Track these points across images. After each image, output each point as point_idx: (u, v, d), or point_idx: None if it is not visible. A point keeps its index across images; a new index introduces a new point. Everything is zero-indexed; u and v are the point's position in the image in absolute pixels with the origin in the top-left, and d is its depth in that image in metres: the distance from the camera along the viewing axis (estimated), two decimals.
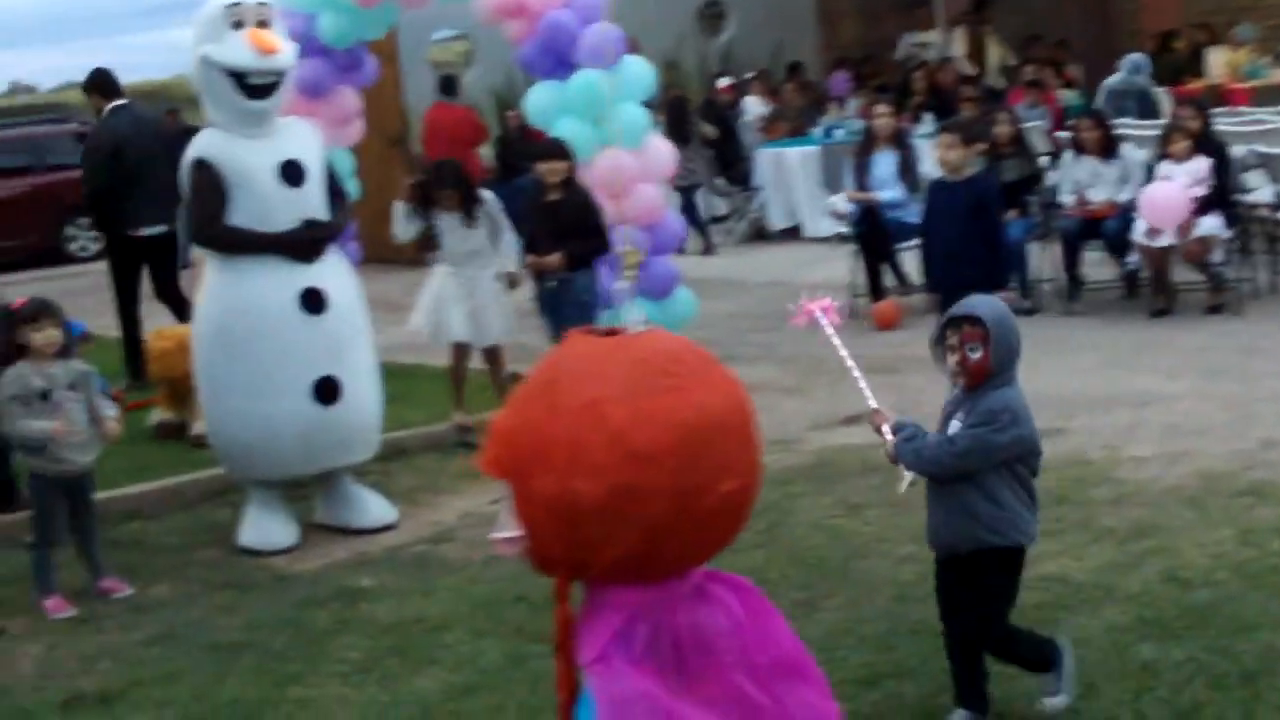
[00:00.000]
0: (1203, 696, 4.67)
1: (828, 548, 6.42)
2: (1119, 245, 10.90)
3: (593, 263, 8.71)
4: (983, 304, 4.50)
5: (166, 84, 39.63)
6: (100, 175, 10.68)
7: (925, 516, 4.63)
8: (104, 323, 10.74)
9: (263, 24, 7.04)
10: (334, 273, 7.20)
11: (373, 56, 10.75)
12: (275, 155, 7.03)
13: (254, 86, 7.00)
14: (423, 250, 9.05)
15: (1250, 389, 8.38)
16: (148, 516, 7.71)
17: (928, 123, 15.10)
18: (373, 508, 7.44)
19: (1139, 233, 10.43)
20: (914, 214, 10.75)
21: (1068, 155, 11.35)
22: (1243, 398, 8.22)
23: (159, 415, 9.23)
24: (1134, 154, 11.10)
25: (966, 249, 7.75)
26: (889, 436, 4.54)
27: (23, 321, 6.43)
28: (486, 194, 8.96)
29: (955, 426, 4.47)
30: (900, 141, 11.83)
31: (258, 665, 5.71)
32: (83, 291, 11.35)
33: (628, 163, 9.41)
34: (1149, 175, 10.72)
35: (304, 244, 7.04)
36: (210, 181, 7.00)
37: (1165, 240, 10.30)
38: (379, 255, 12.81)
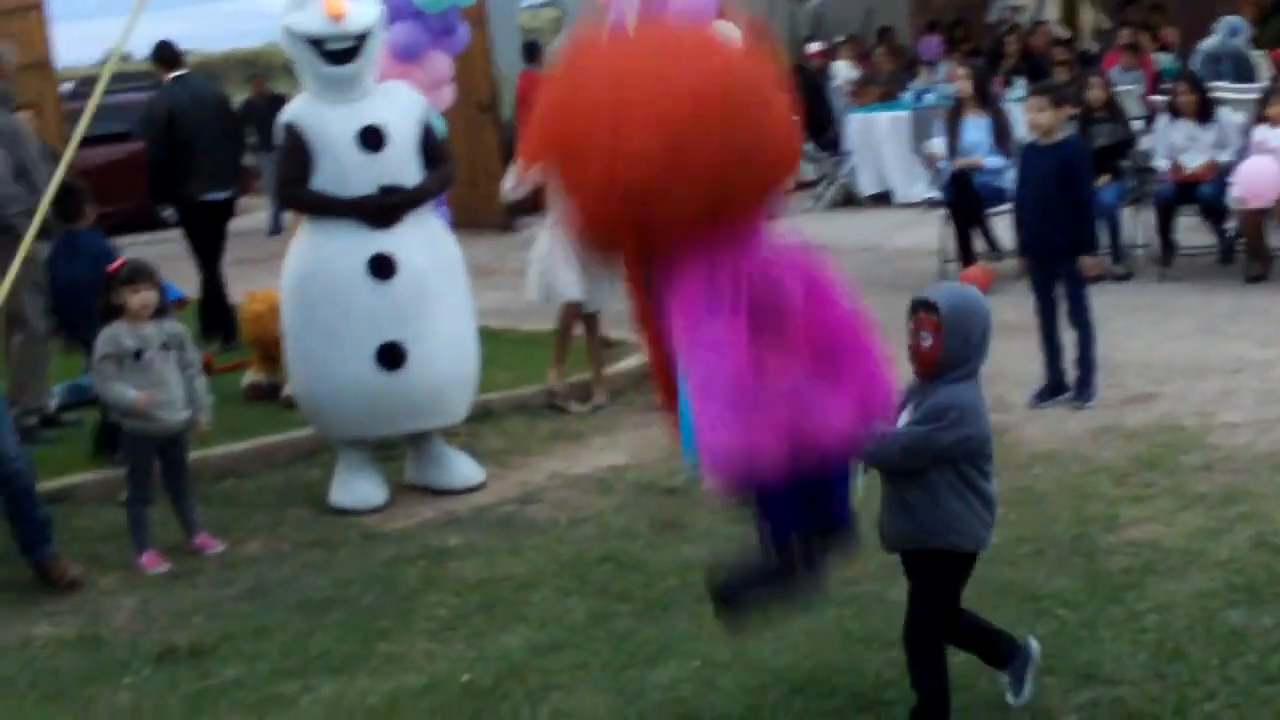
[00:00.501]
0: None
1: None
2: (1215, 210, 10.75)
3: None
4: (947, 292, 4.30)
5: (260, 51, 40.02)
6: (156, 145, 10.89)
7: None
8: (190, 288, 10.96)
9: None
10: (412, 239, 7.17)
11: (464, 22, 10.77)
12: (357, 121, 7.08)
13: (332, 52, 7.06)
14: (526, 212, 8.98)
15: None
16: (240, 475, 7.82)
17: (1019, 87, 14.92)
18: (461, 469, 7.50)
19: (1234, 197, 10.28)
20: (1005, 178, 10.66)
21: (1163, 119, 11.19)
22: None
23: (251, 377, 9.34)
24: (1230, 118, 10.92)
25: (1055, 213, 7.64)
26: None
27: (120, 283, 6.57)
28: None
29: (904, 419, 4.26)
30: (991, 105, 11.71)
31: (346, 621, 5.79)
32: (174, 257, 11.50)
33: None
34: (1246, 139, 10.56)
35: (377, 209, 7.07)
36: (294, 145, 7.12)
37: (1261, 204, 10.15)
38: (469, 220, 12.85)
